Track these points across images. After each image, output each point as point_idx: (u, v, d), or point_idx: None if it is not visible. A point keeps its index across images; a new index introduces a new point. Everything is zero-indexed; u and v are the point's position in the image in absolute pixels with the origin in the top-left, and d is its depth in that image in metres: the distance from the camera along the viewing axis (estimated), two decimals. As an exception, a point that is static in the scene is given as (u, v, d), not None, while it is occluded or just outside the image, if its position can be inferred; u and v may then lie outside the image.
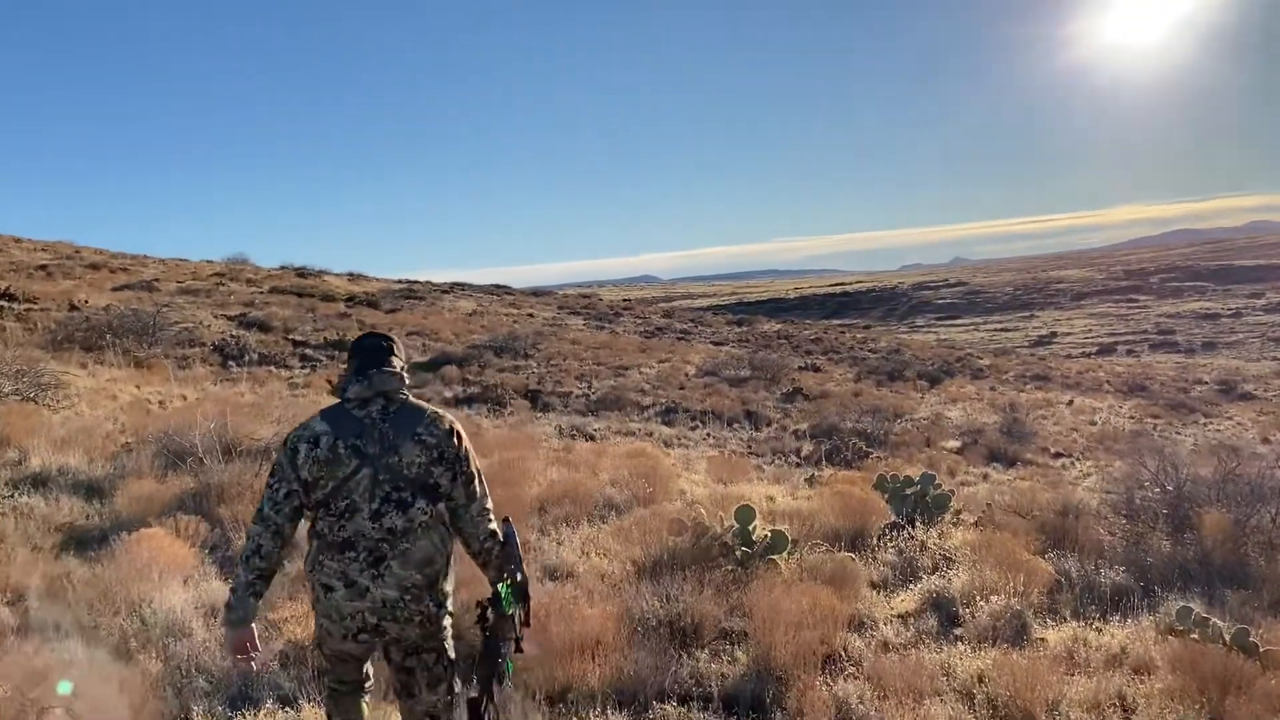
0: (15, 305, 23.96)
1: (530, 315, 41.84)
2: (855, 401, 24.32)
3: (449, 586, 3.21)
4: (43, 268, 34.84)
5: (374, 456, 3.05)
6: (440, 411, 3.23)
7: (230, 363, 21.96)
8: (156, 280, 36.52)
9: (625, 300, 63.93)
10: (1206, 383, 41.06)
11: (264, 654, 3.73)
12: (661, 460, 11.09)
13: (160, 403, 14.10)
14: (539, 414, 19.63)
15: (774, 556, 6.36)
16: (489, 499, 3.22)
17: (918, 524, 8.31)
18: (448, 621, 3.22)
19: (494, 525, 3.20)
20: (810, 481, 12.25)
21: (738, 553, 6.41)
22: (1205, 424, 30.14)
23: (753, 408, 22.36)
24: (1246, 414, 32.28)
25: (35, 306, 24.50)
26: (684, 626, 5.13)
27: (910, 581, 6.93)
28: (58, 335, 20.21)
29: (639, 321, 45.90)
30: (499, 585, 3.13)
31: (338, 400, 3.21)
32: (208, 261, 45.76)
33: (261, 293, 35.30)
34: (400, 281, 48.98)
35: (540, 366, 26.68)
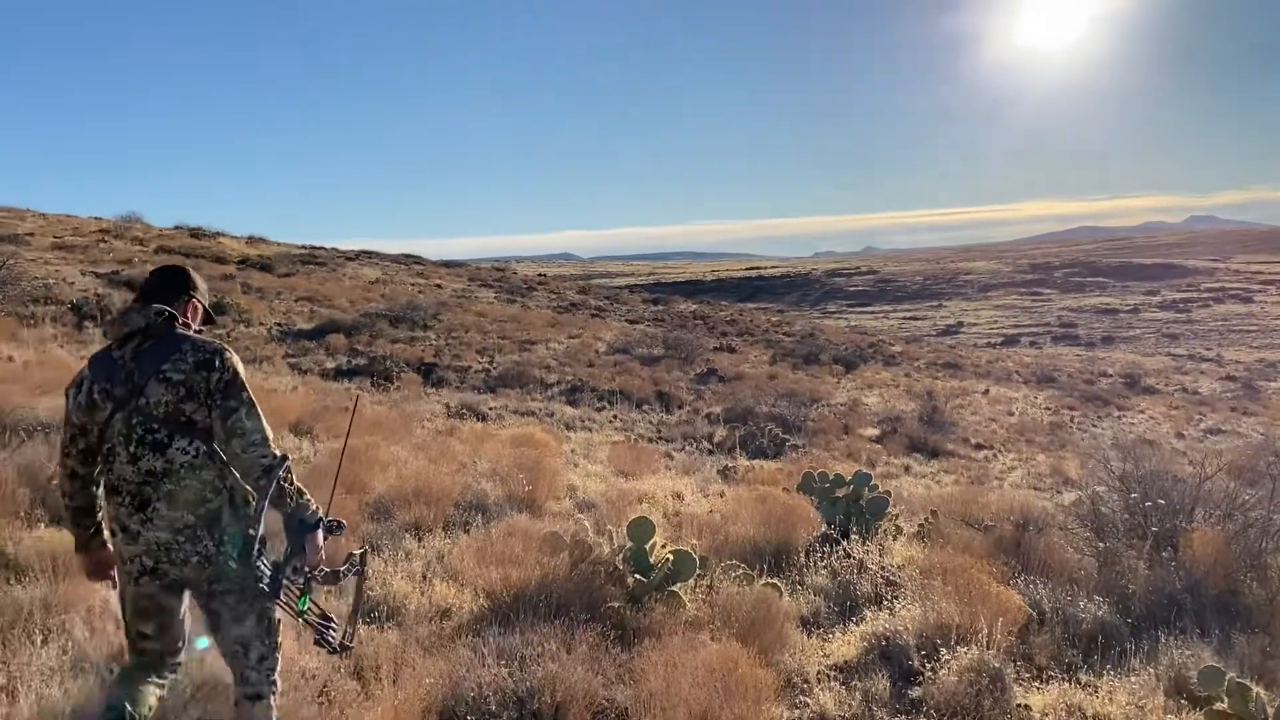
0: None
1: (439, 286, 39.94)
2: (771, 385, 23.11)
3: (236, 523, 2.96)
4: None
5: (122, 399, 2.91)
6: (206, 342, 3.00)
7: (86, 323, 19.66)
8: (30, 234, 33.93)
9: (540, 275, 62.01)
10: (1112, 375, 41.13)
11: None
12: (551, 448, 9.52)
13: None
14: (430, 390, 17.87)
15: (676, 587, 4.84)
16: (261, 432, 2.95)
17: (852, 534, 6.91)
18: (247, 557, 2.93)
19: (268, 460, 2.93)
20: (724, 474, 10.83)
21: (630, 581, 4.88)
22: (1119, 417, 29.76)
23: (665, 388, 20.91)
24: (1157, 407, 32.05)
25: None
26: (540, 710, 3.57)
27: (849, 616, 5.52)
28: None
29: (553, 297, 44.26)
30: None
31: None
32: (95, 218, 43.09)
33: (146, 252, 32.94)
34: (304, 247, 46.58)
35: (439, 339, 24.88)
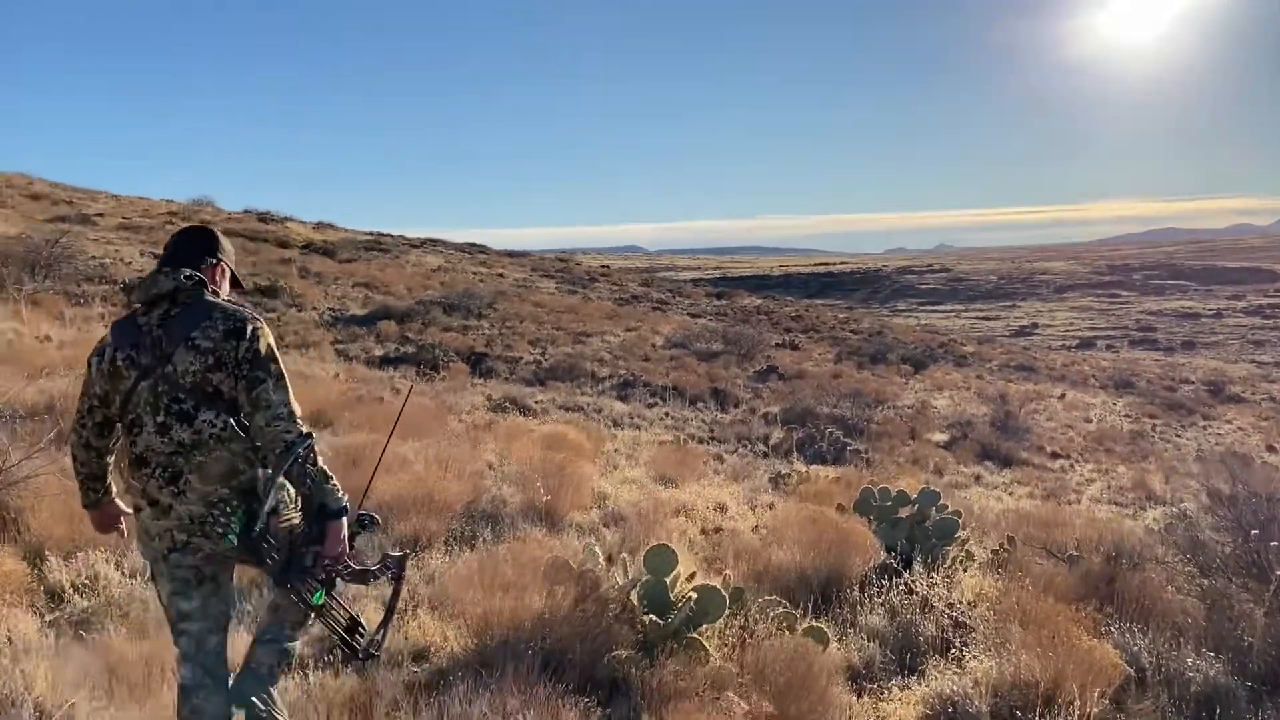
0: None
1: (500, 275, 39.58)
2: (834, 384, 22.10)
3: (272, 494, 2.80)
4: None
5: (149, 367, 2.79)
6: (236, 310, 2.86)
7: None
8: (100, 215, 34.37)
9: (603, 266, 61.31)
10: (1194, 382, 39.28)
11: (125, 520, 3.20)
12: (584, 450, 8.75)
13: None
14: (478, 380, 17.26)
15: (699, 632, 4.03)
16: (287, 406, 2.79)
17: (915, 561, 6.04)
18: (248, 533, 2.81)
19: (291, 435, 2.77)
20: (776, 482, 9.97)
21: (643, 622, 4.08)
22: (1205, 427, 28.19)
23: (721, 385, 20.05)
24: (1244, 417, 30.34)
25: (-73, 231, 22.23)
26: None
27: (909, 667, 4.66)
28: (-70, 263, 17.79)
29: (615, 288, 43.63)
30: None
31: None
32: (167, 201, 43.74)
33: (211, 234, 33.09)
34: (370, 234, 46.73)
35: (493, 328, 24.32)
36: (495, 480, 7.04)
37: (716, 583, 4.46)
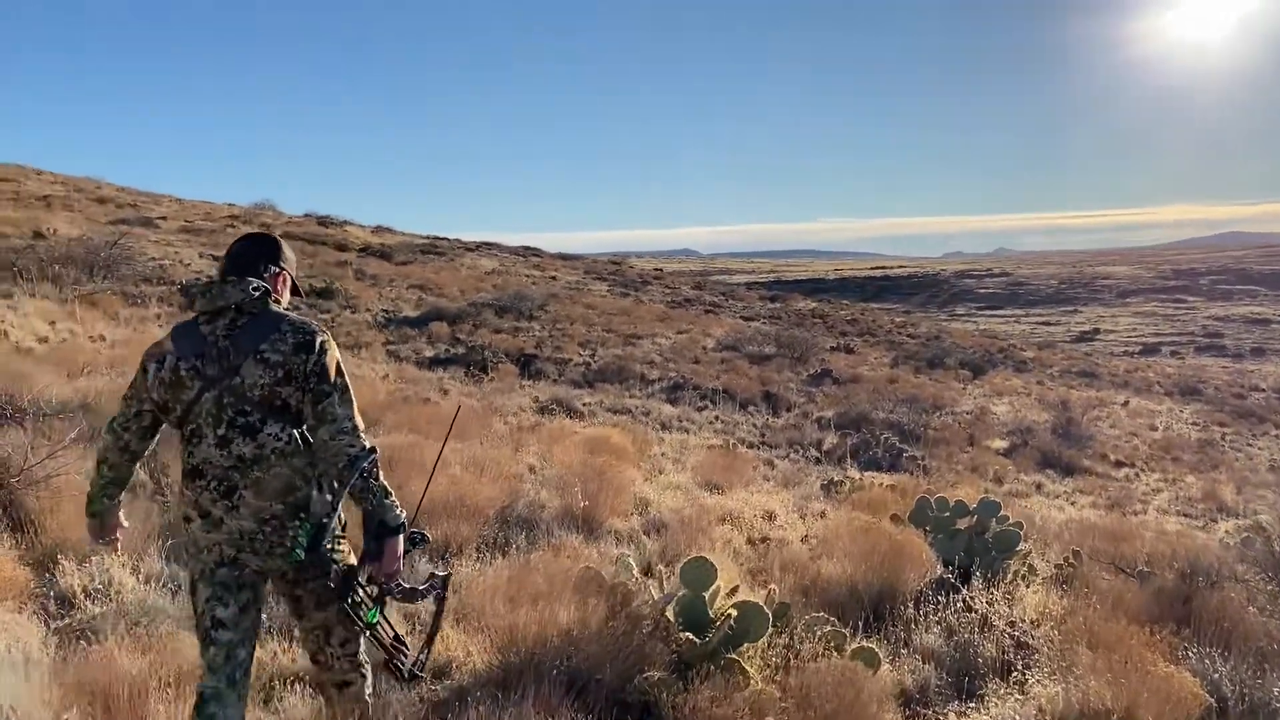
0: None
1: (553, 278, 39.58)
2: (890, 389, 21.62)
3: (339, 507, 2.79)
4: (44, 198, 33.64)
5: (214, 378, 2.73)
6: (304, 322, 2.81)
7: (194, 304, 19.64)
8: (163, 218, 34.98)
9: (656, 269, 61.10)
10: (1265, 390, 37.98)
11: (127, 533, 3.15)
12: (628, 454, 8.49)
13: (43, 340, 11.76)
14: (527, 382, 17.11)
15: (735, 654, 3.75)
16: (352, 420, 2.76)
17: (974, 575, 5.70)
18: (337, 547, 2.86)
19: (355, 450, 2.73)
20: (829, 489, 9.64)
21: (679, 640, 3.81)
22: (1279, 436, 27.18)
23: (773, 389, 19.70)
24: (1323, 427, 29.21)
25: (-11, 233, 22.72)
26: None
27: (966, 692, 4.33)
28: (-7, 263, 18.12)
29: (667, 291, 43.43)
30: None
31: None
32: (229, 204, 44.46)
33: (271, 237, 33.59)
34: (427, 237, 47.11)
35: (543, 330, 24.21)
36: (534, 484, 6.81)
37: (760, 598, 4.18)
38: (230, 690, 2.75)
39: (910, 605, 5.00)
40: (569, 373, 18.89)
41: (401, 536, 2.79)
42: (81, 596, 3.93)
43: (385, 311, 23.70)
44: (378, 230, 45.81)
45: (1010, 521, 6.38)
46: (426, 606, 3.40)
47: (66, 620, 3.78)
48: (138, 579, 4.13)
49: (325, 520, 2.76)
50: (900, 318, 55.31)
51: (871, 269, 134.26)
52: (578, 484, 6.07)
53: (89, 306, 17.01)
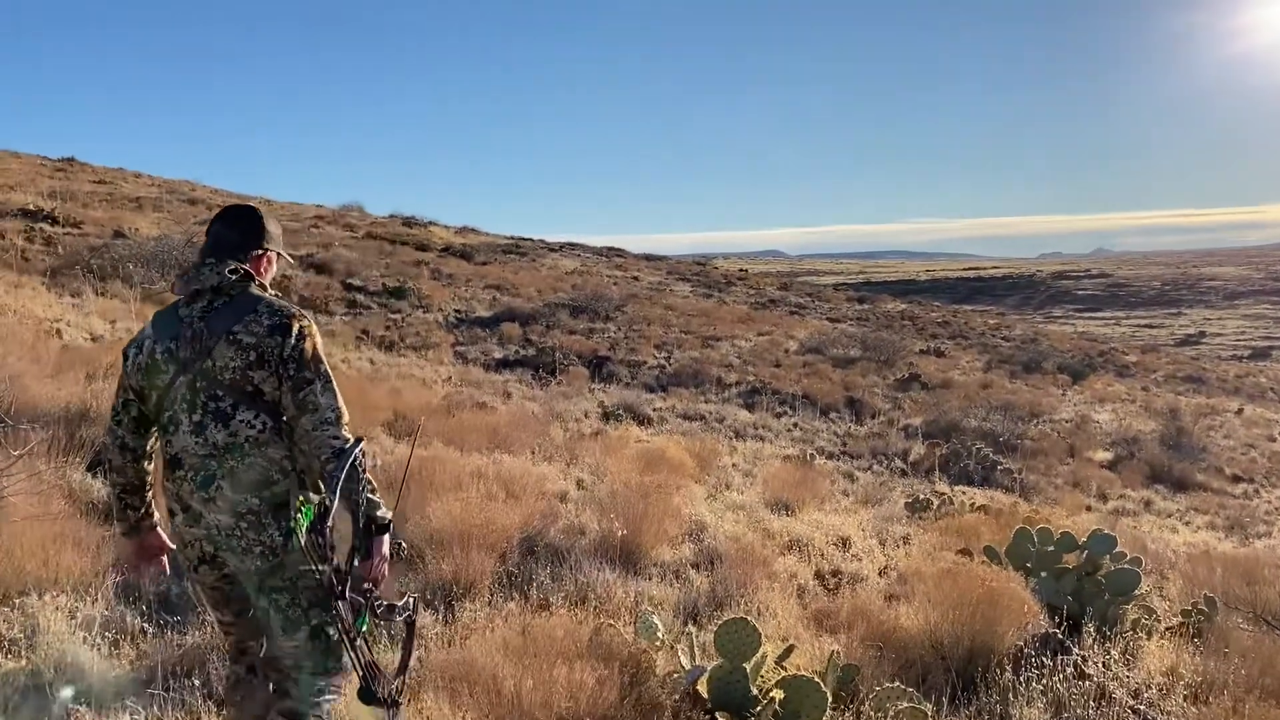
0: (52, 228, 22.35)
1: (635, 279, 38.99)
2: (983, 395, 20.38)
3: (337, 493, 2.57)
4: (137, 200, 34.27)
5: (188, 361, 2.64)
6: (283, 305, 2.68)
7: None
8: (247, 218, 35.40)
9: (741, 270, 60.12)
10: (1388, 397, 35.40)
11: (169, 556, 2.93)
12: (686, 468, 7.68)
13: (96, 339, 11.49)
14: (596, 385, 16.43)
15: (783, 749, 2.94)
16: (335, 410, 2.62)
17: (1085, 625, 4.76)
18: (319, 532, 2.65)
19: (340, 441, 2.59)
20: (914, 508, 8.69)
21: (712, 724, 3.01)
22: None
23: (857, 394, 18.70)
24: None
25: (76, 232, 22.98)
26: None
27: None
28: (70, 261, 18.24)
29: (751, 292, 42.48)
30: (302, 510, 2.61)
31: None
32: (316, 205, 44.88)
33: (354, 237, 33.59)
34: (510, 238, 46.97)
35: (619, 331, 23.53)
36: (577, 504, 6.05)
37: (820, 661, 3.36)
38: (251, 675, 2.76)
39: (1008, 668, 4.09)
40: (642, 376, 18.17)
41: (388, 536, 2.67)
42: (-8, 651, 3.26)
43: (458, 312, 23.29)
44: (462, 231, 45.80)
45: (1127, 559, 5.42)
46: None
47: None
48: (73, 626, 3.44)
49: (326, 506, 2.57)
50: (994, 320, 53.46)
51: (964, 270, 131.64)
52: (616, 510, 5.28)
53: (156, 305, 16.89)
